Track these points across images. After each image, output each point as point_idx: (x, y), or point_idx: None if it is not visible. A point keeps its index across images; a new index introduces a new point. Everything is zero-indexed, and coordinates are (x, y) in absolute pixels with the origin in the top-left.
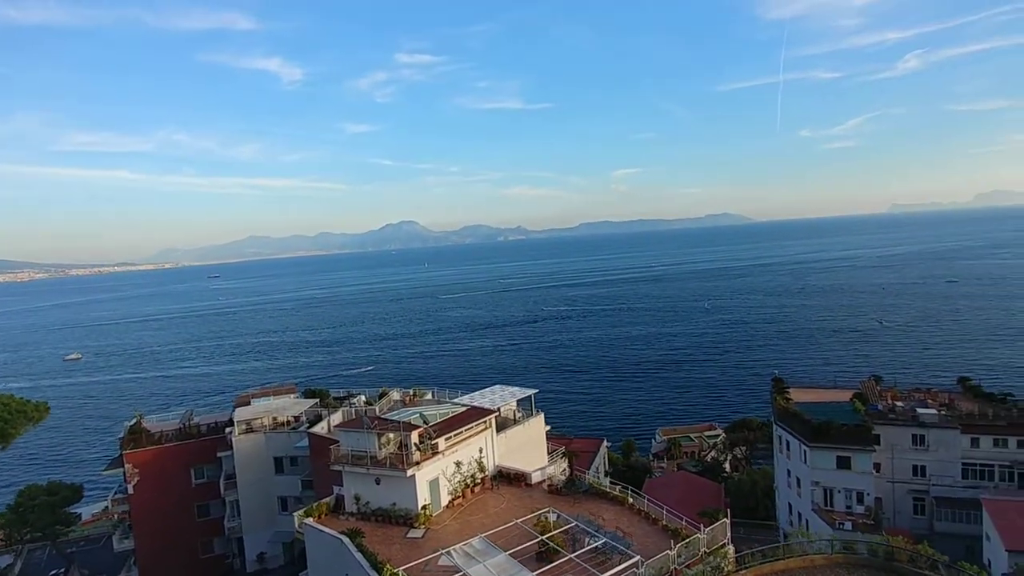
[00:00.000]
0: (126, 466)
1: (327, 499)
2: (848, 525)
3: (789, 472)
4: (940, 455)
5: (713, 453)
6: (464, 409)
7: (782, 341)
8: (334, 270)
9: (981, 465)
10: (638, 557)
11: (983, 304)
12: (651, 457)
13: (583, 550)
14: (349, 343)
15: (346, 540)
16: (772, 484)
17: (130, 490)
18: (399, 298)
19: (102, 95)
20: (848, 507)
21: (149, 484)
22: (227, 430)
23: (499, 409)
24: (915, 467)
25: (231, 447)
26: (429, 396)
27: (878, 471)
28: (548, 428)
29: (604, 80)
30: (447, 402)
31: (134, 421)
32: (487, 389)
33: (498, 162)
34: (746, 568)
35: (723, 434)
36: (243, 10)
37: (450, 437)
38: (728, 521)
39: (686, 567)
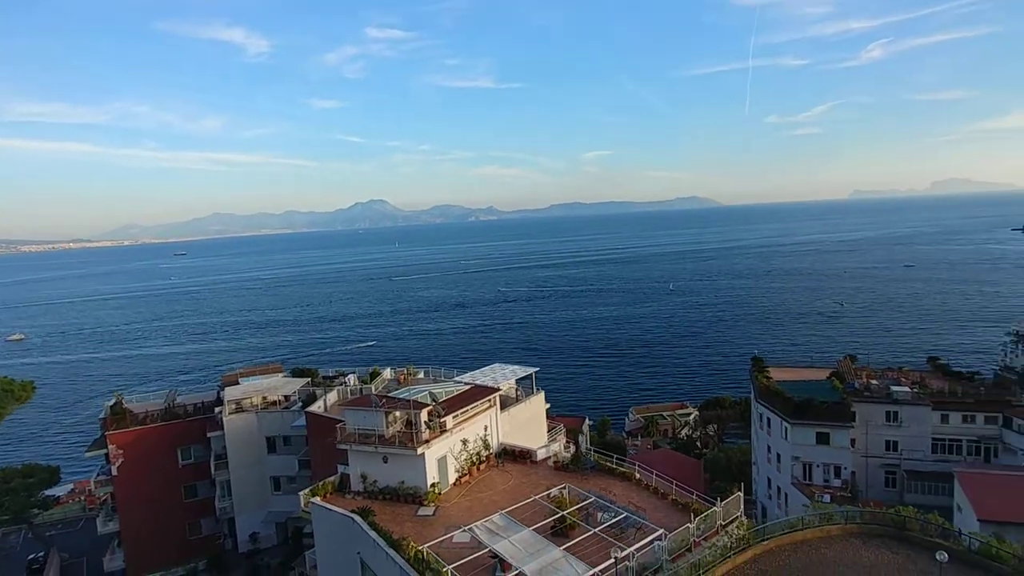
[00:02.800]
0: (110, 447)
1: (332, 478)
2: (826, 498)
3: (769, 448)
4: (912, 431)
5: (686, 430)
6: (468, 387)
7: (750, 322)
8: (303, 249)
9: (950, 440)
10: (662, 530)
11: (940, 288)
12: (625, 435)
13: (604, 525)
14: (321, 322)
15: (358, 519)
16: (747, 460)
17: (114, 471)
18: (370, 278)
19: (51, 63)
20: (826, 481)
21: (134, 465)
22: (216, 410)
23: (501, 387)
24: (888, 442)
25: (222, 427)
26: (421, 375)
27: (853, 446)
28: (548, 406)
29: (574, 61)
30: (449, 380)
31: (114, 401)
32: (487, 367)
33: (469, 142)
34: (767, 539)
35: (695, 412)
36: None
37: (457, 415)
38: (741, 495)
39: (704, 539)
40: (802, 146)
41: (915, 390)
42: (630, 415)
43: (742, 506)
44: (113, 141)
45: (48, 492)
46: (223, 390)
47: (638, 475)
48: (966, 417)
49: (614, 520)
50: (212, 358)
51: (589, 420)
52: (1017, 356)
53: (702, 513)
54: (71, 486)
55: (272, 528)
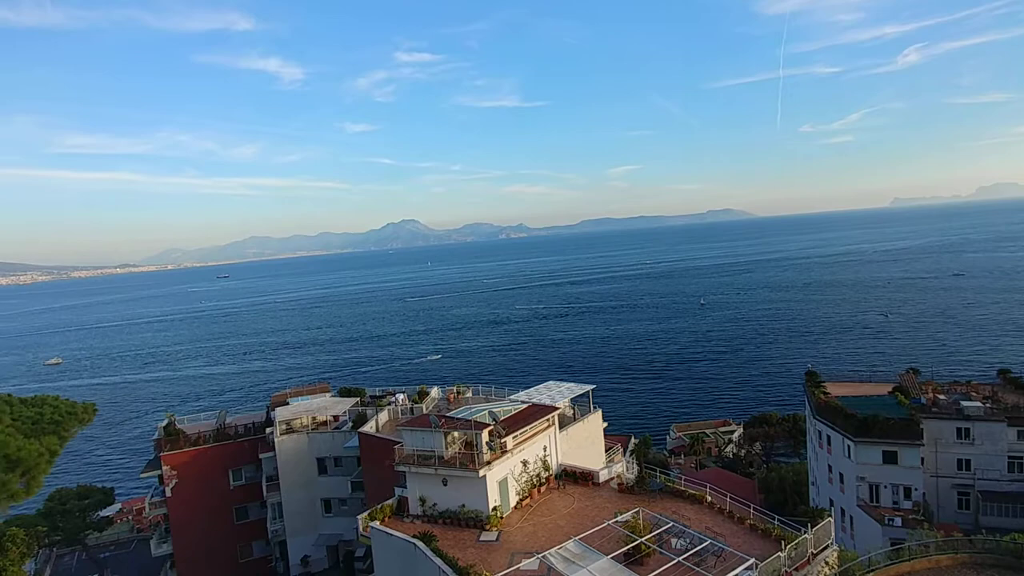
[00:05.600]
0: (164, 468)
1: (389, 501)
2: (897, 521)
3: (830, 467)
4: (986, 448)
5: (731, 448)
6: (525, 406)
7: (791, 336)
8: (337, 270)
9: None
10: (752, 559)
11: (994, 297)
12: (667, 453)
13: (688, 553)
14: (357, 341)
15: (420, 544)
16: (802, 479)
17: (168, 493)
18: (404, 297)
19: (99, 97)
20: (895, 503)
21: (187, 487)
22: (267, 431)
23: (559, 405)
24: (960, 461)
25: (273, 448)
26: (470, 394)
27: (922, 465)
28: (605, 425)
29: (598, 77)
30: (503, 399)
31: (167, 422)
32: (542, 385)
33: (498, 160)
34: (873, 571)
35: (739, 429)
36: (242, 10)
37: (517, 435)
38: (832, 520)
39: (795, 570)
40: (838, 155)
41: (987, 405)
42: (671, 432)
43: (833, 533)
44: (157, 169)
45: (101, 513)
46: (272, 410)
47: (710, 498)
48: None
49: (694, 548)
50: (253, 378)
51: (634, 438)
52: None
53: (791, 541)
54: (119, 506)
55: (323, 551)
